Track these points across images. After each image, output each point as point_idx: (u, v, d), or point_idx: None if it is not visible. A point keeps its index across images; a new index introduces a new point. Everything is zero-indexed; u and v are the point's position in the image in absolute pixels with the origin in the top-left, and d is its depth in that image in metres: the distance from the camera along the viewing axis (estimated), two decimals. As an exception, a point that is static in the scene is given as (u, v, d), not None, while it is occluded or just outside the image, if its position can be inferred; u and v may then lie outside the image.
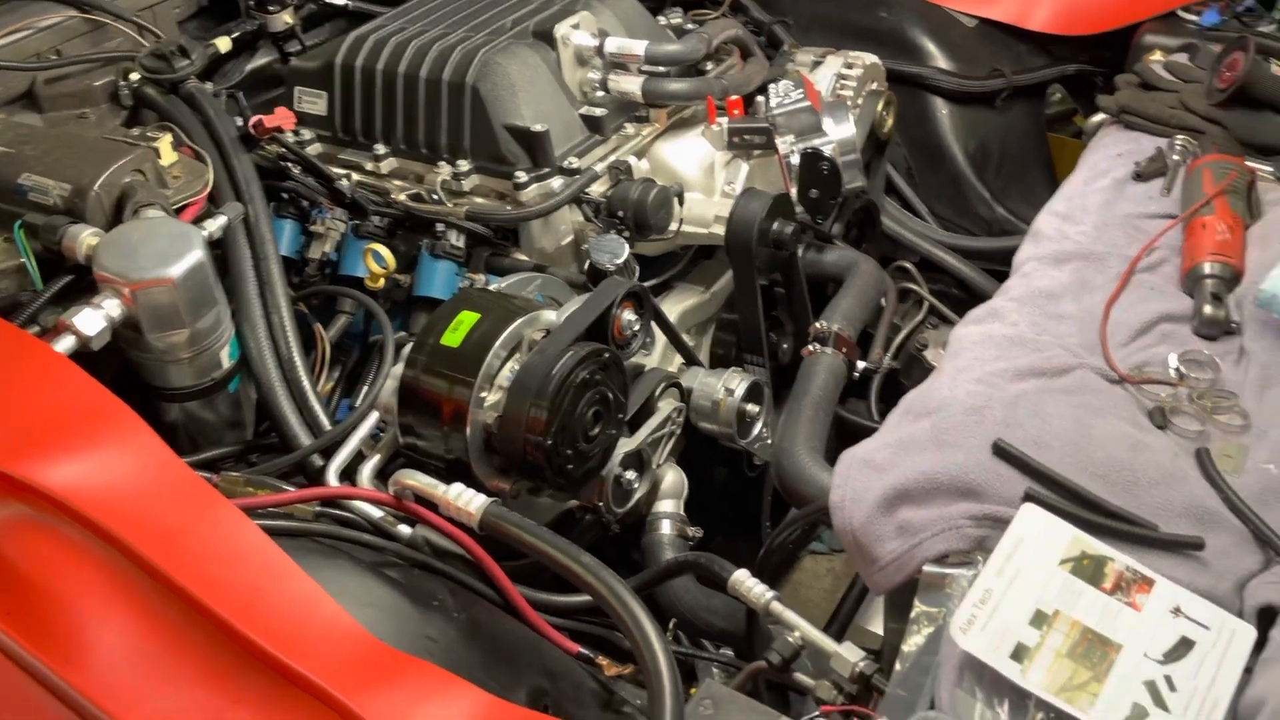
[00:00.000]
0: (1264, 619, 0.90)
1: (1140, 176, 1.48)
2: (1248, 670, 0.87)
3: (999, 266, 1.61)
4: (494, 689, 1.05)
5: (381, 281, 1.49)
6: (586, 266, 1.45)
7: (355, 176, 1.58)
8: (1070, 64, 2.19)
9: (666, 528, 1.46)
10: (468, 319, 1.26)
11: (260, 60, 1.91)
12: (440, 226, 1.51)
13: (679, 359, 1.56)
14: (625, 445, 1.36)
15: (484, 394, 1.23)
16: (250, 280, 1.40)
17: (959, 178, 2.14)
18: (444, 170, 1.52)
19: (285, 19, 1.87)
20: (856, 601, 1.36)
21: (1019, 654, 0.86)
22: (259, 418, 1.44)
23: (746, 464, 1.63)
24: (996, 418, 1.05)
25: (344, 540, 1.15)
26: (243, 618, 0.88)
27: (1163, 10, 2.01)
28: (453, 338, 1.25)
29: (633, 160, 1.55)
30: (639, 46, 1.56)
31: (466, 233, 1.51)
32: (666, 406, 1.46)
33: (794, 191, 1.59)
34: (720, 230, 1.53)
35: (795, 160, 1.58)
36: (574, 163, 1.50)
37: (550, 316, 1.30)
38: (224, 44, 1.79)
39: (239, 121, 1.56)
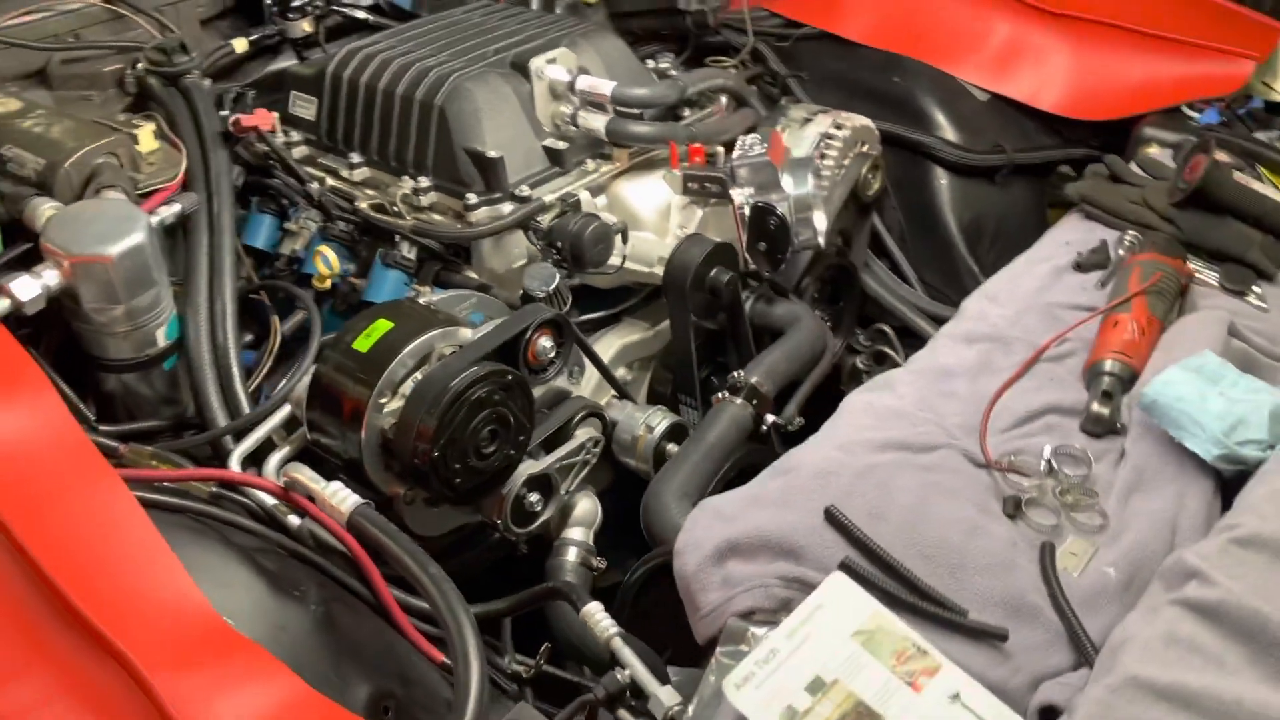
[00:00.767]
0: (1044, 718, 0.90)
1: (1080, 267, 1.47)
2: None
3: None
4: (331, 683, 1.09)
5: (328, 283, 1.56)
6: (520, 292, 1.50)
7: (330, 181, 1.66)
8: (1078, 147, 2.17)
9: (571, 554, 1.49)
10: (381, 326, 1.32)
11: (280, 64, 2.01)
12: (396, 237, 1.58)
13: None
14: (531, 467, 1.40)
15: (384, 399, 1.28)
16: (202, 268, 1.48)
17: (950, 248, 2.14)
18: (406, 184, 1.59)
19: (304, 26, 1.96)
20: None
21: (787, 717, 0.87)
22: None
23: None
24: (841, 485, 1.07)
25: (223, 522, 1.21)
26: (71, 579, 0.93)
27: (1169, 104, 2.00)
28: (364, 342, 1.31)
29: (584, 195, 1.59)
30: (607, 87, 1.61)
31: (418, 246, 1.57)
32: (583, 434, 1.49)
33: (744, 242, 1.62)
34: (661, 271, 1.56)
35: (748, 212, 1.61)
36: (526, 191, 1.55)
37: (465, 334, 1.35)
38: (241, 45, 1.89)
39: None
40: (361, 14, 2.05)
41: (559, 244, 1.50)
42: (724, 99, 1.89)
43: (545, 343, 1.38)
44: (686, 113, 1.80)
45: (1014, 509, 1.09)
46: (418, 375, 1.29)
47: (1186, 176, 1.53)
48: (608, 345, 1.65)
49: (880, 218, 2.13)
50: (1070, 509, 1.10)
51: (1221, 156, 1.58)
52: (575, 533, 1.51)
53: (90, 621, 0.91)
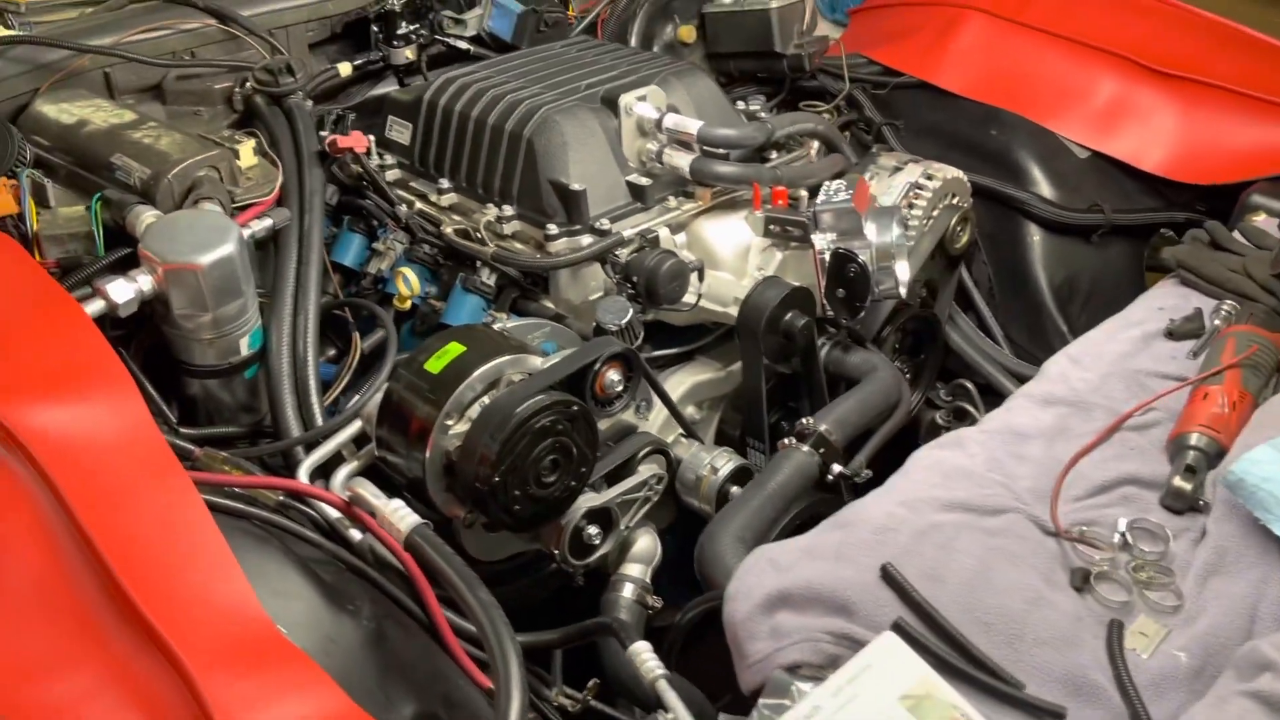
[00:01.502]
0: (1099, 806, 0.86)
1: (1172, 335, 1.42)
2: None
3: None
4: (376, 700, 1.09)
5: (408, 303, 1.59)
6: (594, 325, 1.51)
7: (418, 205, 1.70)
8: (1181, 211, 2.10)
9: (627, 590, 1.48)
10: (454, 349, 1.34)
11: (382, 89, 2.07)
12: (477, 263, 1.60)
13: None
14: (592, 499, 1.39)
15: (450, 421, 1.30)
16: (289, 281, 1.52)
17: (1040, 307, 2.08)
18: (490, 212, 1.61)
19: (407, 54, 2.02)
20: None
21: (826, 777, 0.85)
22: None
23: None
24: (900, 543, 1.04)
25: (285, 531, 1.23)
26: (133, 577, 0.95)
27: (1278, 173, 1.92)
28: (435, 363, 1.33)
29: (664, 231, 1.60)
30: (693, 125, 1.62)
31: (497, 272, 1.59)
32: (647, 471, 1.49)
33: (823, 287, 1.60)
34: (736, 311, 1.56)
35: (828, 258, 1.60)
36: (606, 224, 1.57)
37: (535, 362, 1.36)
38: (345, 69, 1.95)
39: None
40: (463, 44, 2.10)
41: (634, 278, 1.51)
42: (814, 144, 1.88)
43: (613, 376, 1.39)
44: (773, 155, 1.79)
45: (1082, 581, 1.05)
46: (485, 399, 1.31)
47: (1292, 248, 1.46)
48: (678, 383, 1.65)
49: (969, 272, 2.09)
50: (1143, 586, 1.05)
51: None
52: (633, 569, 1.50)
53: (146, 618, 0.93)
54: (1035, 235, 2.10)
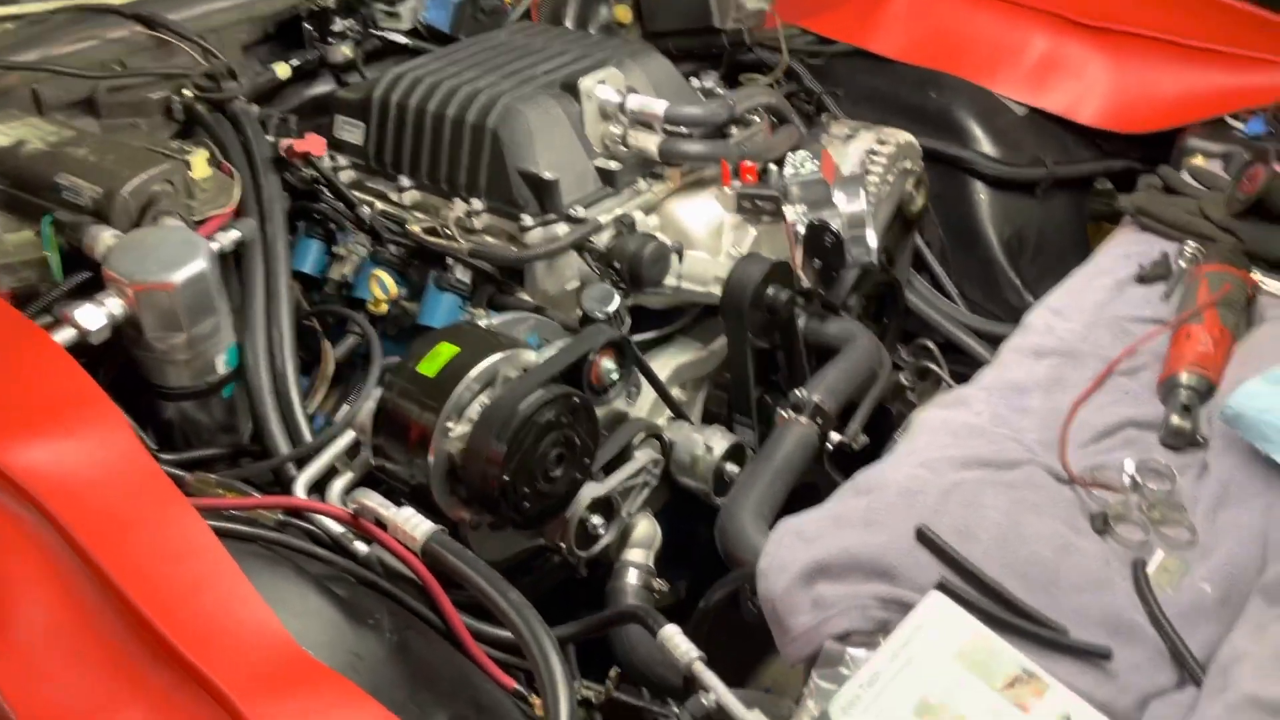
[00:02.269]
0: (1157, 739, 0.88)
1: (1143, 279, 1.46)
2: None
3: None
4: (409, 712, 1.07)
5: (384, 307, 1.56)
6: (579, 313, 1.49)
7: (379, 205, 1.66)
8: (1118, 160, 2.17)
9: (632, 577, 1.48)
10: (446, 350, 1.31)
11: (320, 89, 2.01)
12: (449, 260, 1.57)
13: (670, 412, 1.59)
14: (593, 490, 1.39)
15: (450, 424, 1.27)
16: (259, 294, 1.47)
17: (992, 263, 2.13)
18: (459, 207, 1.58)
19: (344, 51, 1.96)
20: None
21: (897, 741, 0.86)
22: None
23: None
24: (928, 503, 1.05)
25: (294, 550, 1.20)
26: (160, 612, 0.92)
27: (1212, 115, 1.99)
28: (429, 367, 1.30)
29: (639, 215, 1.59)
30: (659, 106, 1.60)
31: (472, 269, 1.56)
32: (643, 457, 1.48)
33: (799, 260, 1.61)
34: (718, 290, 1.56)
35: (802, 230, 1.60)
36: (580, 212, 1.55)
37: (529, 356, 1.34)
38: (283, 70, 1.89)
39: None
40: (401, 38, 2.05)
41: (617, 264, 1.50)
42: (766, 117, 1.89)
43: (608, 364, 1.37)
44: (734, 131, 1.80)
45: (1103, 524, 1.08)
46: (484, 399, 1.29)
47: (1244, 188, 1.52)
48: (662, 366, 1.64)
49: (921, 233, 2.12)
50: (1158, 524, 1.09)
51: (1277, 166, 1.57)
52: (635, 555, 1.50)
53: (182, 653, 0.90)
54: (982, 193, 2.14)
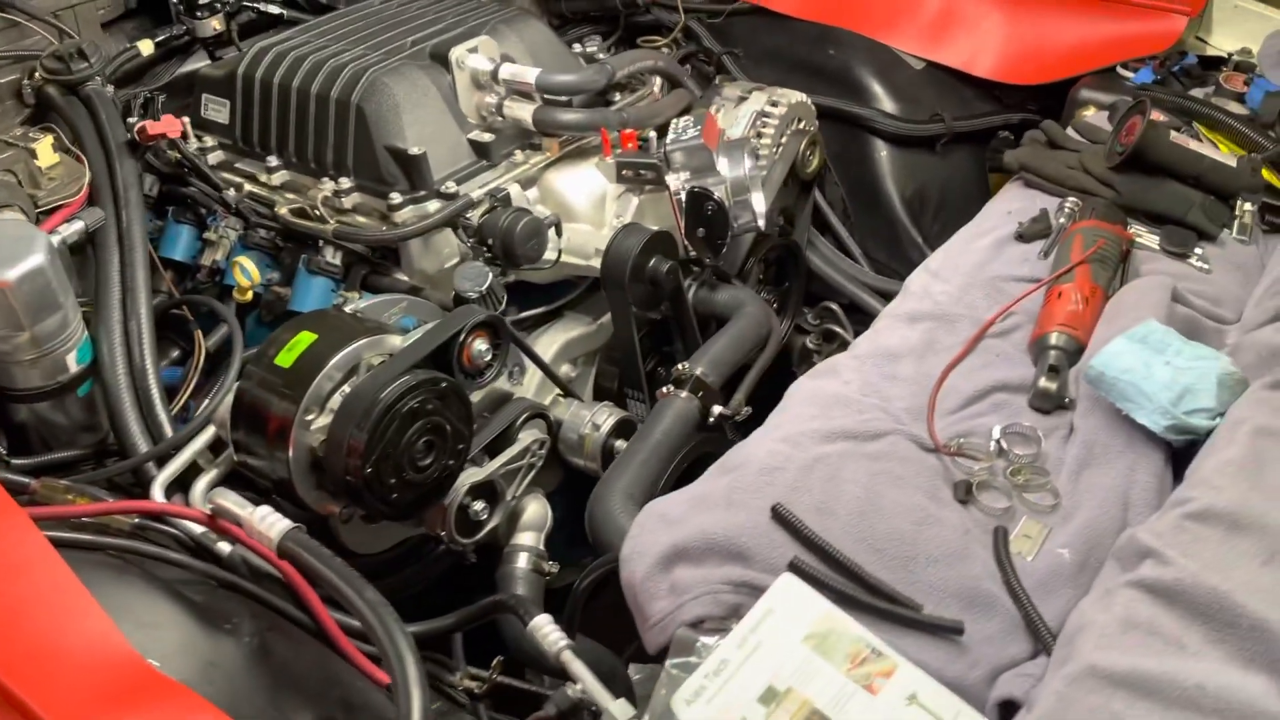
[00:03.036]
0: (1004, 712, 0.87)
1: (1022, 237, 1.45)
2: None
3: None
4: (269, 717, 1.04)
5: (249, 294, 1.50)
6: (453, 294, 1.44)
7: (248, 186, 1.59)
8: (1016, 112, 2.15)
9: (522, 561, 1.44)
10: (305, 339, 1.26)
11: (191, 65, 1.93)
12: (320, 242, 1.51)
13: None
14: (473, 475, 1.35)
15: (311, 416, 1.23)
16: (114, 285, 1.41)
17: (894, 221, 2.11)
18: (326, 186, 1.52)
19: (214, 25, 1.88)
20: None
21: (741, 730, 0.84)
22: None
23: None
24: (787, 480, 1.03)
25: (146, 556, 1.15)
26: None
27: (1104, 65, 1.98)
28: (286, 357, 1.25)
29: (514, 188, 1.54)
30: (531, 74, 1.55)
31: (343, 250, 1.51)
32: (527, 437, 1.44)
33: (683, 228, 1.57)
34: (599, 263, 1.52)
35: (684, 198, 1.57)
36: (452, 187, 1.50)
37: (394, 341, 1.30)
38: (146, 47, 1.81)
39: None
40: (275, 8, 1.97)
41: (490, 241, 1.45)
42: (657, 81, 1.84)
43: (481, 345, 1.33)
44: (617, 97, 1.75)
45: (965, 494, 1.06)
46: (345, 388, 1.24)
47: (1123, 139, 1.50)
48: (549, 342, 1.61)
49: (822, 194, 2.10)
50: (1022, 490, 1.08)
51: (1158, 116, 1.56)
52: (525, 538, 1.46)
53: (-3, 680, 0.85)
54: (882, 151, 2.12)
